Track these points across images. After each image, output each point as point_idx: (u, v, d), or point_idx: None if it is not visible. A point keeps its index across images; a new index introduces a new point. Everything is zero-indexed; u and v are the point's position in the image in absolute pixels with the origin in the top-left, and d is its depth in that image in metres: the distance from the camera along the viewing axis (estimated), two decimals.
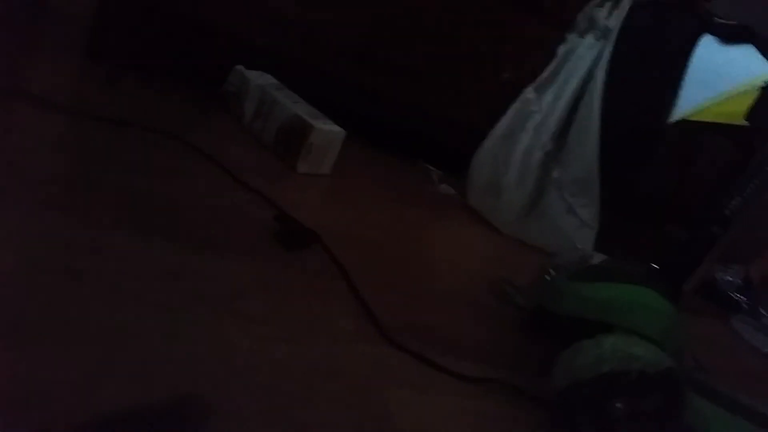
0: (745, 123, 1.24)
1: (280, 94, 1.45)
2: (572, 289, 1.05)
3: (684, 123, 1.36)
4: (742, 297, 1.61)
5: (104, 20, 1.42)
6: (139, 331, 0.83)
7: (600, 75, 1.52)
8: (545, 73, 1.58)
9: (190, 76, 1.48)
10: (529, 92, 1.60)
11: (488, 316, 1.21)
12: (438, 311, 1.16)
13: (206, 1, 1.45)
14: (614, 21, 1.52)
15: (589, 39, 1.55)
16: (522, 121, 1.60)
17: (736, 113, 1.27)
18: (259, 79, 1.48)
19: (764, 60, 1.34)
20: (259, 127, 1.45)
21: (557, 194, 1.59)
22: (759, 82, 1.27)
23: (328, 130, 1.40)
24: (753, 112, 1.20)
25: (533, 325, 1.16)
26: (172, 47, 1.46)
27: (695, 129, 1.38)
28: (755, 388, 1.36)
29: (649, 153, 1.51)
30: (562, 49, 1.58)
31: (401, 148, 1.67)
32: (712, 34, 1.45)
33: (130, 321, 0.83)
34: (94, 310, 0.83)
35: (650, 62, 1.51)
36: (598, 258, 1.24)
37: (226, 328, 0.89)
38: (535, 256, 1.50)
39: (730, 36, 1.42)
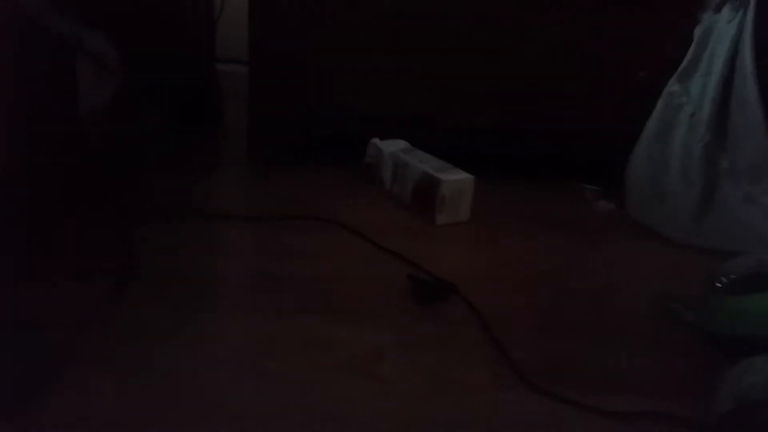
0: None
1: (411, 156, 1.53)
2: (728, 304, 0.95)
3: None
4: None
5: (256, 126, 1.66)
6: (280, 405, 0.91)
7: (747, 47, 1.37)
8: (685, 61, 1.46)
9: (336, 159, 1.65)
10: (672, 85, 1.48)
11: (652, 343, 1.12)
12: (592, 346, 1.10)
13: (341, 90, 1.62)
14: None
15: (726, 12, 1.41)
16: (672, 117, 1.48)
17: None
18: (392, 146, 1.59)
19: None
20: (398, 190, 1.55)
21: (731, 185, 1.44)
22: None
23: (455, 179, 1.45)
24: None
25: (700, 345, 1.04)
26: (318, 136, 1.65)
27: None
28: None
29: None
30: (698, 31, 1.45)
31: (549, 174, 1.64)
32: None
33: (272, 397, 0.92)
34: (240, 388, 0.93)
35: None
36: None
37: (364, 392, 0.95)
38: (711, 264, 1.33)
39: None
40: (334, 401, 0.93)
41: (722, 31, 1.40)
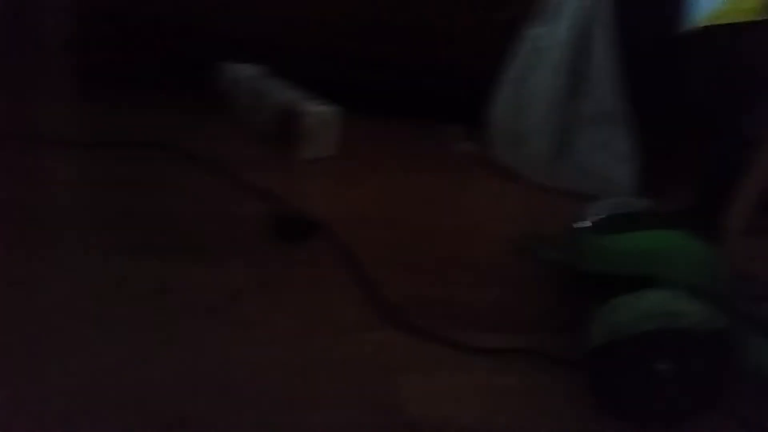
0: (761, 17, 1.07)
1: (271, 84, 1.43)
2: (597, 244, 0.95)
3: (708, 28, 1.20)
4: None
5: (83, 42, 1.45)
6: (130, 352, 0.81)
7: None
8: (547, 5, 1.45)
9: (179, 81, 1.47)
10: (533, 28, 1.48)
11: (519, 280, 1.11)
12: (455, 282, 1.08)
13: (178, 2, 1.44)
14: None
15: None
16: (533, 61, 1.48)
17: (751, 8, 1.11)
18: (248, 71, 1.47)
19: None
20: (256, 120, 1.43)
21: (588, 130, 1.47)
22: None
23: (321, 111, 1.37)
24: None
25: (564, 283, 1.05)
26: (154, 54, 1.47)
27: (719, 32, 1.22)
28: None
29: (675, 64, 1.36)
30: None
31: (411, 113, 1.59)
32: None
33: (122, 342, 0.82)
34: (85, 335, 0.82)
35: None
36: (638, 203, 1.10)
37: (222, 336, 0.86)
38: (570, 205, 1.35)
39: None
40: (187, 348, 0.83)
41: None
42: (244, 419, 0.75)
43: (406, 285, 1.02)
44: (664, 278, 0.89)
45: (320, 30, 1.51)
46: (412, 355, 0.89)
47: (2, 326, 0.82)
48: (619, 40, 1.39)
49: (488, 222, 1.30)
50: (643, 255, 0.93)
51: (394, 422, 0.79)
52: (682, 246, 0.93)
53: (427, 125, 1.59)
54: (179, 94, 1.47)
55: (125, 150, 1.24)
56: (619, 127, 1.44)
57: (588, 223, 1.00)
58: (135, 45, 1.45)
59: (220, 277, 0.96)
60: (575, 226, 1.02)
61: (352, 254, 1.06)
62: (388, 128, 1.57)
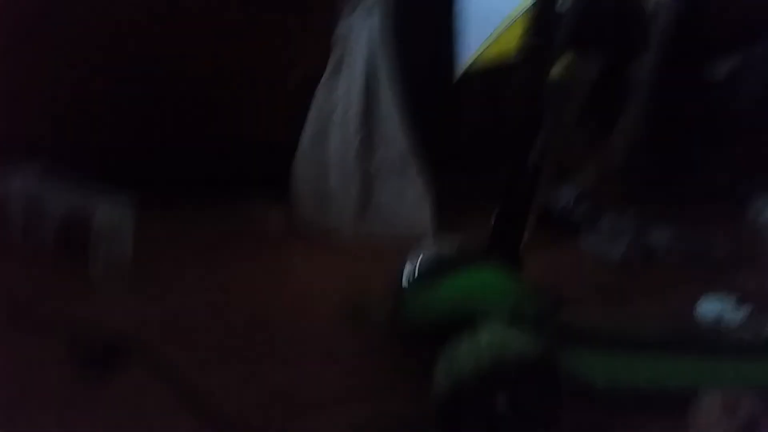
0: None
1: (50, 190, 1.26)
2: (417, 298, 0.98)
3: (480, 69, 1.30)
4: (581, 216, 1.58)
5: None
6: None
7: (380, 46, 1.45)
8: (332, 62, 1.48)
9: None
10: (322, 87, 1.49)
11: (350, 348, 1.09)
12: (294, 367, 1.03)
13: None
14: None
15: (360, 12, 1.47)
16: (325, 118, 1.49)
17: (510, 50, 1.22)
18: (19, 178, 1.29)
19: None
20: (33, 232, 1.26)
21: (386, 178, 1.50)
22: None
23: (111, 211, 1.23)
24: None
25: (403, 340, 1.04)
26: None
27: (488, 73, 1.32)
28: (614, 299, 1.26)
29: (451, 105, 1.45)
30: (339, 34, 1.49)
31: (212, 195, 1.48)
32: None
33: None
34: None
35: (422, 17, 1.44)
36: (448, 245, 1.12)
37: None
38: (390, 262, 1.27)
39: None
40: None
41: (359, 32, 1.46)
42: None
43: (235, 384, 0.97)
44: (486, 313, 0.92)
45: (103, 118, 1.41)
46: None
47: None
48: (402, 87, 1.45)
49: (307, 295, 1.26)
50: (460, 298, 0.96)
51: None
52: (493, 279, 0.98)
53: (231, 206, 1.48)
54: None
55: None
56: (411, 173, 1.49)
57: (408, 279, 1.02)
58: None
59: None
60: (397, 283, 1.03)
61: (168, 368, 0.98)
62: (188, 218, 1.45)
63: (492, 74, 1.30)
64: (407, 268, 1.03)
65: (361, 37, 1.46)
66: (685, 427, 0.88)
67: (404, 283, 1.01)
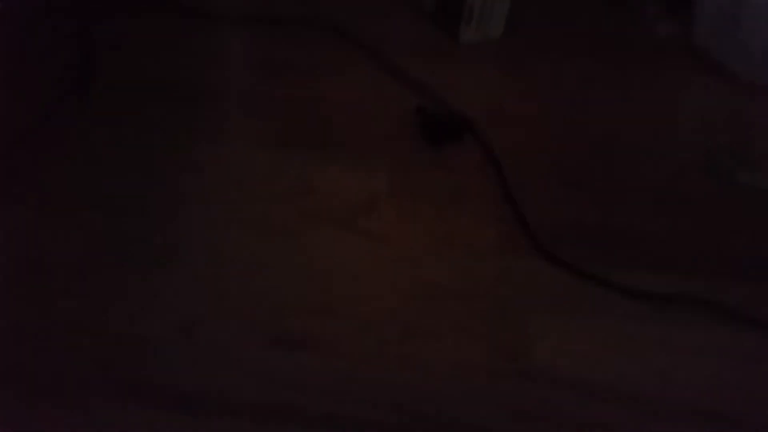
0: None
1: None
2: None
3: None
4: None
5: None
6: (251, 254, 0.80)
7: None
8: None
9: None
10: None
11: (699, 207, 0.93)
12: (625, 208, 0.92)
13: None
14: None
15: None
16: None
17: None
18: None
19: None
20: None
21: None
22: None
23: None
24: None
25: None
26: None
27: None
28: None
29: None
30: None
31: None
32: None
33: (245, 243, 0.81)
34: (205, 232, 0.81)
35: None
36: None
37: (350, 248, 0.83)
38: None
39: None
40: (316, 257, 0.81)
41: None
42: (362, 343, 0.73)
43: (563, 207, 0.90)
44: None
45: None
46: (554, 292, 0.80)
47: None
48: None
49: (674, 129, 1.08)
50: None
51: (518, 367, 0.73)
52: None
53: (621, 1, 1.31)
54: None
55: (274, 26, 1.15)
56: None
57: None
58: None
59: (359, 180, 0.91)
60: None
61: (501, 164, 0.95)
62: (573, 4, 1.31)
63: None
64: None
65: None
66: None
67: None
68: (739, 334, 0.76)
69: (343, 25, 1.16)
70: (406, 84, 1.07)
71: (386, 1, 1.26)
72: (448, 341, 0.75)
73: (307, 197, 0.88)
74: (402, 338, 0.74)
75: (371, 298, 0.78)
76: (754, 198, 0.93)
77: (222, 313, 0.75)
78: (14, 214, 0.83)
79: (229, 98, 1.04)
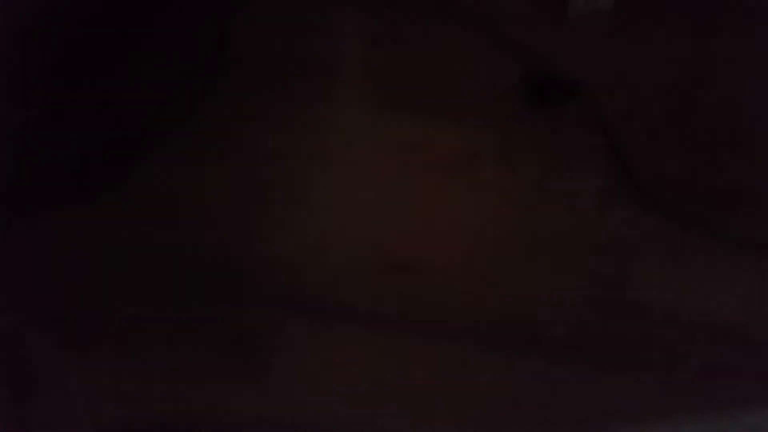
0: None
1: None
2: None
3: None
4: None
5: None
6: (363, 198, 0.87)
7: None
8: None
9: None
10: None
11: None
12: (739, 167, 0.91)
13: None
14: None
15: None
16: None
17: None
18: None
19: None
20: None
21: None
22: None
23: None
24: None
25: None
26: None
27: None
28: None
29: None
30: None
31: None
32: None
33: (358, 188, 0.88)
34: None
35: None
36: None
37: (455, 196, 0.87)
38: None
39: None
40: (421, 204, 0.87)
41: None
42: (467, 274, 0.78)
43: (666, 164, 0.91)
44: None
45: None
46: (661, 243, 0.82)
47: None
48: None
49: None
50: None
51: (626, 304, 0.75)
52: None
53: None
54: None
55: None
56: None
57: None
58: None
59: (464, 137, 0.96)
60: None
61: (609, 125, 0.96)
62: None
63: None
64: None
65: None
66: None
67: None
68: None
69: None
70: (513, 51, 1.10)
71: None
72: (551, 278, 0.78)
73: (412, 153, 0.93)
74: (505, 273, 0.79)
75: (475, 238, 0.83)
76: None
77: (339, 242, 0.83)
78: (170, 161, 0.94)
79: (343, 68, 1.11)
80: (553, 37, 1.14)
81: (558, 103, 1.01)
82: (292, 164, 0.92)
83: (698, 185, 0.89)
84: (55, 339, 0.79)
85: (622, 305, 0.77)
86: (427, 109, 1.01)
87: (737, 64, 1.10)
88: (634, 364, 0.74)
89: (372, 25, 1.18)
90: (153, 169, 0.90)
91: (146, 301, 0.81)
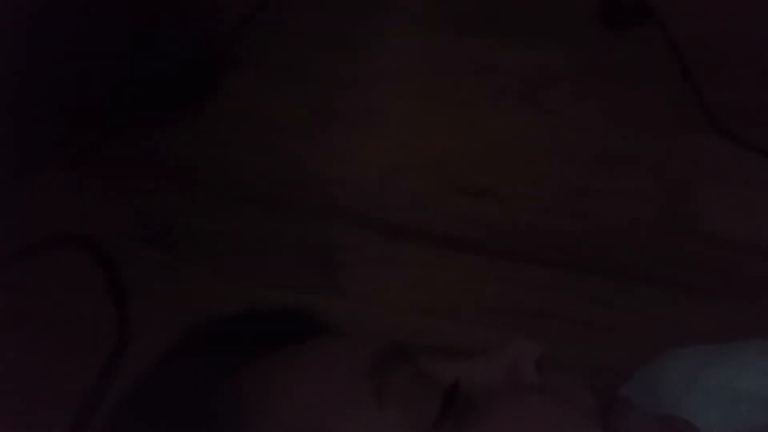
0: None
1: None
2: None
3: None
4: None
5: None
6: (436, 120, 0.89)
7: None
8: None
9: None
10: None
11: None
12: None
13: None
14: None
15: None
16: None
17: None
18: None
19: None
20: None
21: None
22: None
23: None
24: None
25: None
26: None
27: None
28: None
29: None
30: None
31: None
32: None
33: (431, 112, 0.89)
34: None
35: None
36: None
37: (527, 120, 0.88)
38: None
39: None
40: (494, 128, 0.88)
41: None
42: (538, 197, 0.81)
43: (745, 90, 0.90)
44: None
45: None
46: (731, 168, 0.82)
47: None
48: None
49: None
50: None
51: (693, 228, 0.77)
52: None
53: None
54: None
55: None
56: None
57: None
58: None
59: (538, 61, 0.95)
60: None
61: (684, 49, 0.94)
62: None
63: None
64: None
65: None
66: None
67: None
68: None
69: None
70: None
71: None
72: (619, 202, 0.80)
73: (485, 74, 0.94)
74: (576, 196, 0.81)
75: (547, 161, 0.84)
76: None
77: (413, 165, 0.86)
78: (241, 82, 0.96)
79: None
80: None
81: (633, 25, 0.99)
82: (366, 91, 0.93)
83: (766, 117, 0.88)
84: (147, 248, 0.84)
85: (694, 230, 0.78)
86: (500, 32, 1.00)
87: None
88: (708, 290, 0.76)
89: None
90: (234, 88, 0.93)
91: (235, 211, 0.85)
